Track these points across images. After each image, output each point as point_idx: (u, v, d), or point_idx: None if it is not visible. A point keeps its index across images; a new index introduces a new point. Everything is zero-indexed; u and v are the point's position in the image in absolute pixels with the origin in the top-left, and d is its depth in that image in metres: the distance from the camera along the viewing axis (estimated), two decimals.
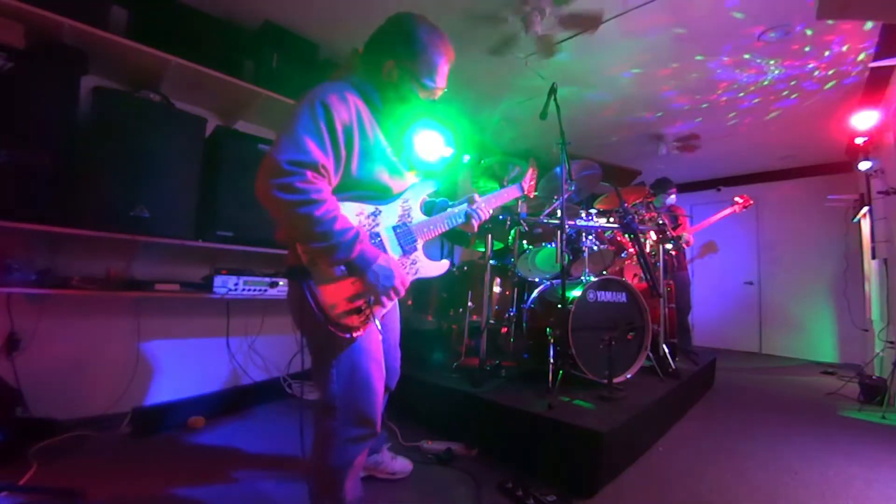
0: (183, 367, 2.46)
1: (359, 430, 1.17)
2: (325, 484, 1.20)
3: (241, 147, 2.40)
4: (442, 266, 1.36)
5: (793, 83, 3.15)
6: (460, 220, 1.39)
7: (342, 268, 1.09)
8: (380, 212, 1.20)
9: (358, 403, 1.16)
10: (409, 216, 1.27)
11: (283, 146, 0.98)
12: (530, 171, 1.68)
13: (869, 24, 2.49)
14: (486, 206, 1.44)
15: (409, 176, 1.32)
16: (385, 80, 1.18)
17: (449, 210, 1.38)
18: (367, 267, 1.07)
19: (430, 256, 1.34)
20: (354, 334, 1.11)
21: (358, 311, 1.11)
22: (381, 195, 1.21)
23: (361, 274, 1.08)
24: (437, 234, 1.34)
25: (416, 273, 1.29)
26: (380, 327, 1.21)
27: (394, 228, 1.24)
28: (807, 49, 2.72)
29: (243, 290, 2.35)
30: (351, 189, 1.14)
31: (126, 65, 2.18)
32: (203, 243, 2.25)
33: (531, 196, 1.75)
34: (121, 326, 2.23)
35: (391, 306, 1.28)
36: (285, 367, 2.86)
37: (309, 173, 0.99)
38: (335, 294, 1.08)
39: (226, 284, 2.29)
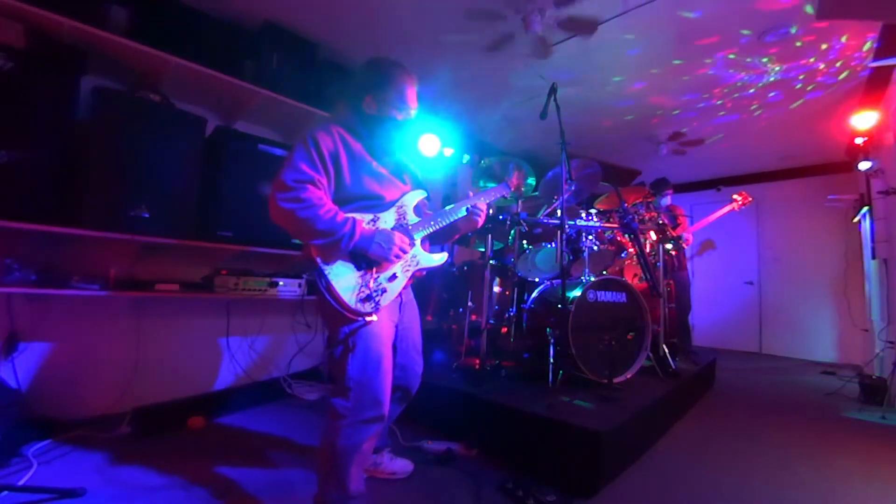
0: (183, 367, 2.46)
1: (369, 412, 1.30)
2: (331, 468, 1.29)
3: (241, 147, 2.40)
4: (439, 257, 1.53)
5: (792, 84, 3.15)
6: (460, 214, 1.57)
7: (351, 262, 1.30)
8: (378, 218, 1.40)
9: (370, 385, 1.30)
10: (404, 219, 1.47)
11: (284, 171, 1.26)
12: (515, 172, 1.89)
13: (868, 45, 2.51)
14: (481, 203, 1.62)
15: (401, 185, 1.52)
16: (367, 111, 1.44)
17: (443, 210, 1.56)
18: (370, 243, 1.30)
19: (429, 251, 1.52)
20: (367, 319, 1.30)
21: (368, 298, 1.31)
22: (376, 203, 1.41)
23: (366, 252, 1.30)
24: (432, 230, 1.51)
25: (416, 265, 1.47)
26: (392, 311, 1.43)
27: (392, 230, 1.41)
28: (807, 50, 2.72)
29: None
30: (350, 201, 1.36)
31: (126, 65, 2.18)
32: (203, 243, 2.25)
33: (519, 193, 1.87)
34: (121, 326, 2.23)
35: (399, 289, 1.42)
36: (285, 367, 2.86)
37: (309, 186, 1.26)
38: (347, 286, 1.29)
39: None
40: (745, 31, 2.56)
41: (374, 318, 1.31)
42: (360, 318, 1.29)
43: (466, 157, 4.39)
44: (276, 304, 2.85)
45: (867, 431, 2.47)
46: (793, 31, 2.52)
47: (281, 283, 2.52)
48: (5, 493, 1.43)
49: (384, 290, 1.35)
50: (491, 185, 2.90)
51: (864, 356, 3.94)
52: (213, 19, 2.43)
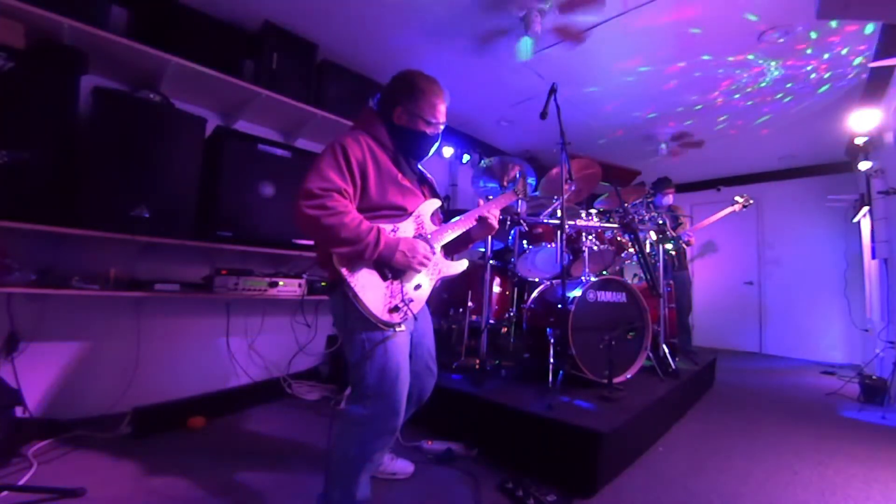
0: (183, 367, 2.46)
1: (386, 422, 1.29)
2: (340, 473, 1.29)
3: (241, 147, 2.40)
4: (461, 265, 1.54)
5: (791, 84, 3.15)
6: (471, 224, 1.56)
7: (376, 272, 1.29)
8: (398, 228, 1.38)
9: (388, 395, 1.28)
10: (423, 228, 1.46)
11: (311, 178, 1.24)
12: (520, 179, 1.95)
13: (870, 28, 2.49)
14: (493, 208, 1.60)
15: (422, 197, 1.52)
16: (397, 123, 1.45)
17: (458, 217, 1.55)
18: (394, 252, 1.28)
19: (449, 258, 1.54)
20: (398, 329, 1.30)
21: (396, 308, 1.30)
22: (397, 214, 1.41)
23: (390, 260, 1.28)
24: (450, 238, 1.51)
25: (439, 273, 1.47)
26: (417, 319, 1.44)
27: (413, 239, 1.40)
28: (808, 50, 2.72)
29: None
30: (372, 210, 1.35)
31: (126, 65, 2.18)
32: (203, 243, 2.25)
33: (524, 197, 2.00)
34: (121, 326, 2.23)
35: (426, 298, 1.43)
36: (285, 367, 2.86)
37: (335, 195, 1.24)
38: (374, 297, 1.28)
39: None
40: (749, 30, 2.56)
41: (403, 328, 1.30)
42: (389, 330, 1.29)
43: (466, 157, 4.39)
44: (276, 304, 2.85)
45: (867, 431, 2.47)
46: (796, 30, 2.51)
47: (281, 282, 2.52)
48: (5, 493, 1.43)
49: (411, 300, 1.34)
50: (491, 185, 2.90)
51: (864, 356, 3.94)
52: (213, 19, 2.43)
